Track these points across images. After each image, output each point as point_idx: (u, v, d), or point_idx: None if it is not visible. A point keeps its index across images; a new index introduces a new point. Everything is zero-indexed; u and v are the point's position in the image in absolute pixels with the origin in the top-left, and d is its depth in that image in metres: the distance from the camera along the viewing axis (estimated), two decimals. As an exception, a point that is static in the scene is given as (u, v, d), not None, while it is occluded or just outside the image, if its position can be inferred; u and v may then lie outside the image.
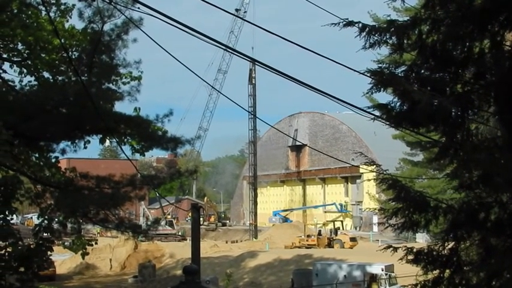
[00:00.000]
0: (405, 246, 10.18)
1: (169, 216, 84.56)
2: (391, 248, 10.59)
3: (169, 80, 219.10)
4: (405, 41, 9.58)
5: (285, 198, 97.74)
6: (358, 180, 77.36)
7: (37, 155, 15.84)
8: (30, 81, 16.49)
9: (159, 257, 54.11)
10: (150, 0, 7.89)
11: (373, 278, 32.40)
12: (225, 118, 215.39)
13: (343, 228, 72.02)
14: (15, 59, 16.56)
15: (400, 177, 12.97)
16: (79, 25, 15.81)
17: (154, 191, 27.02)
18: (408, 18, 9.83)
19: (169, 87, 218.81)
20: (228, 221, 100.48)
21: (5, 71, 16.61)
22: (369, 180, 15.17)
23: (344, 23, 9.45)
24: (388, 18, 9.68)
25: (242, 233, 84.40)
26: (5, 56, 16.53)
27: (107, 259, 53.07)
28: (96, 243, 17.38)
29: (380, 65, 10.86)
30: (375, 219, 69.69)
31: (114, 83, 16.01)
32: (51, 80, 16.42)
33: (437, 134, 10.10)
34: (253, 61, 10.81)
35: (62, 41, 15.29)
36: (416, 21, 9.45)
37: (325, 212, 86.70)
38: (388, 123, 10.45)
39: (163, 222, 72.97)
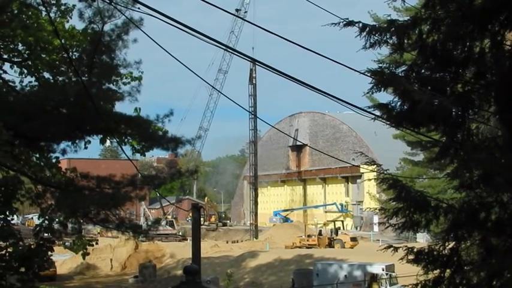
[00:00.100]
0: (406, 246, 10.18)
1: (169, 217, 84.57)
2: (392, 248, 10.60)
3: (170, 80, 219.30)
4: (405, 41, 9.58)
5: (285, 198, 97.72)
6: (358, 180, 77.32)
7: (38, 156, 15.84)
8: (30, 82, 16.51)
9: (159, 257, 54.12)
10: (150, 1, 7.89)
11: (374, 277, 32.39)
12: (225, 118, 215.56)
13: (343, 228, 72.00)
14: (16, 60, 16.56)
15: (401, 177, 12.97)
16: (79, 25, 15.82)
17: (154, 191, 27.03)
18: (408, 18, 9.83)
19: (169, 87, 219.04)
20: (228, 221, 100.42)
21: (5, 72, 16.62)
22: (369, 180, 15.16)
23: (344, 22, 9.46)
24: (389, 18, 9.69)
25: (243, 233, 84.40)
26: (5, 56, 16.53)
27: (107, 259, 53.09)
28: (96, 244, 17.41)
29: (380, 65, 10.88)
30: (376, 219, 69.67)
31: (114, 83, 16.01)
32: (52, 81, 16.42)
33: (437, 133, 10.10)
34: (254, 61, 10.81)
35: (62, 41, 15.29)
36: (416, 21, 9.45)
37: (326, 212, 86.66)
38: (388, 123, 10.45)
39: (163, 222, 72.97)
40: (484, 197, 9.31)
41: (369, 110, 10.05)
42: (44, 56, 16.26)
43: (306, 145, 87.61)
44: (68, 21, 16.81)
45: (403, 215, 9.80)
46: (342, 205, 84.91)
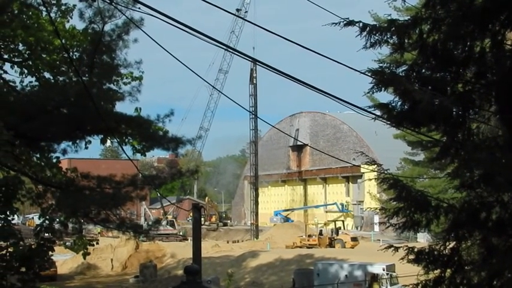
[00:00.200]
0: (406, 246, 10.18)
1: (170, 216, 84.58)
2: (392, 248, 10.59)
3: (170, 80, 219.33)
4: (406, 41, 9.58)
5: (286, 198, 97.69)
6: (359, 180, 77.29)
7: (38, 156, 15.85)
8: (31, 82, 16.51)
9: (160, 257, 54.14)
10: (150, 1, 7.90)
11: (374, 277, 32.38)
12: (226, 118, 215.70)
13: (344, 228, 71.98)
14: (16, 60, 16.56)
15: (401, 176, 12.95)
16: (80, 25, 15.83)
17: (155, 191, 27.04)
18: (409, 17, 9.83)
19: (170, 87, 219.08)
20: (229, 221, 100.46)
21: (6, 72, 16.62)
22: (370, 179, 15.13)
23: (345, 22, 9.46)
24: (389, 17, 9.69)
25: (243, 232, 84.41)
26: (5, 56, 16.53)
27: (108, 259, 53.10)
28: (97, 243, 17.42)
29: (381, 65, 10.85)
30: (376, 218, 69.69)
31: (115, 83, 16.02)
32: (52, 81, 16.42)
33: (438, 133, 10.09)
34: (254, 61, 10.81)
35: (63, 41, 15.30)
36: (417, 20, 9.45)
37: (327, 211, 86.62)
38: (389, 122, 10.45)
39: (164, 222, 72.99)
40: (484, 197, 9.30)
41: (369, 109, 10.05)
42: (44, 56, 16.26)
43: (307, 145, 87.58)
44: (68, 21, 16.83)
45: (404, 215, 9.80)
46: (342, 205, 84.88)
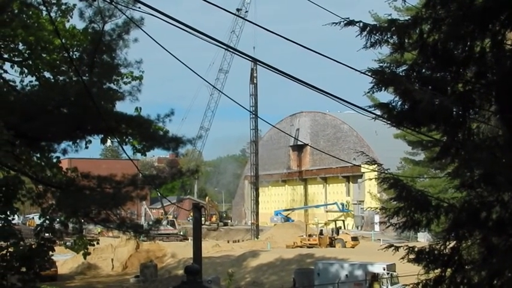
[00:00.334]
0: (407, 246, 10.18)
1: (170, 216, 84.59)
2: (393, 247, 10.58)
3: (171, 80, 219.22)
4: (406, 40, 9.58)
5: (286, 198, 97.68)
6: (359, 180, 77.25)
7: (38, 155, 15.85)
8: (31, 82, 16.51)
9: (160, 257, 54.13)
10: (150, 0, 7.89)
11: (375, 277, 32.36)
12: (226, 118, 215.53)
13: (344, 228, 71.96)
14: (16, 59, 16.55)
15: (402, 176, 12.97)
16: (80, 25, 15.83)
17: (155, 190, 27.03)
18: (409, 17, 9.83)
19: (170, 87, 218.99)
20: (229, 221, 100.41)
21: (6, 71, 16.62)
22: (370, 179, 15.16)
23: (345, 22, 9.46)
24: (389, 17, 9.69)
25: (244, 232, 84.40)
26: (6, 56, 16.53)
27: (108, 259, 53.10)
28: (97, 243, 17.40)
29: (381, 65, 10.84)
30: (377, 218, 69.75)
31: (115, 82, 16.02)
32: (52, 80, 16.42)
33: (438, 133, 10.09)
34: (255, 61, 10.82)
35: (63, 41, 15.29)
36: (417, 20, 9.45)
37: (327, 211, 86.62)
38: (389, 122, 10.45)
39: (164, 222, 72.99)
40: (485, 197, 9.30)
41: (369, 109, 10.05)
42: (44, 55, 16.26)
43: (307, 145, 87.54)
44: (68, 21, 16.82)
45: (404, 215, 9.80)
46: (342, 205, 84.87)
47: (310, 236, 63.34)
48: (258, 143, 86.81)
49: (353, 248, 57.01)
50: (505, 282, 8.62)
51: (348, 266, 34.50)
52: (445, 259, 9.75)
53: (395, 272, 31.12)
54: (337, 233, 63.48)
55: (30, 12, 15.89)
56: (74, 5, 16.31)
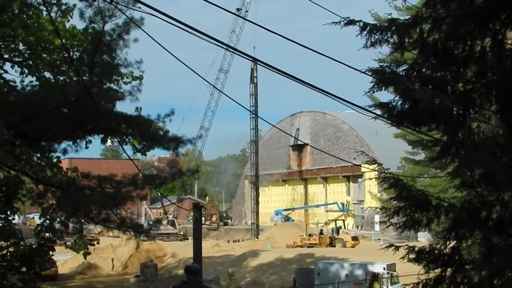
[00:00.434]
0: (407, 245, 10.18)
1: (170, 216, 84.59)
2: (393, 247, 10.58)
3: (171, 80, 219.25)
4: (406, 40, 9.58)
5: (286, 198, 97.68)
6: (359, 179, 77.26)
7: (39, 155, 15.85)
8: (31, 82, 16.51)
9: (161, 257, 54.13)
10: (151, 0, 7.89)
11: (375, 277, 32.37)
12: (226, 117, 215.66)
13: (344, 227, 71.97)
14: (17, 59, 16.55)
15: (402, 176, 12.96)
16: (80, 25, 15.83)
17: (156, 190, 27.03)
18: (409, 17, 9.83)
19: (170, 87, 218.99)
20: (229, 221, 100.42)
21: (6, 71, 16.63)
22: (370, 179, 15.16)
23: (345, 22, 9.45)
24: (389, 17, 9.70)
25: (244, 232, 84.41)
26: (6, 56, 16.53)
27: (108, 259, 53.10)
28: (98, 243, 17.40)
29: (381, 64, 10.82)
30: (377, 218, 69.76)
31: (115, 82, 16.02)
32: (53, 80, 16.42)
33: (438, 132, 10.09)
34: (255, 60, 10.82)
35: (63, 41, 15.29)
36: (417, 19, 9.45)
37: (327, 211, 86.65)
38: (389, 122, 10.45)
39: (165, 222, 73.01)
40: (485, 196, 9.30)
41: (370, 109, 10.05)
42: (44, 55, 16.26)
43: (307, 144, 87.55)
44: (68, 21, 16.82)
45: (404, 214, 9.80)
46: (343, 204, 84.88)
47: (310, 235, 63.35)
48: (258, 142, 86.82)
49: (353, 247, 57.02)
50: (505, 282, 8.62)
51: (348, 265, 34.51)
52: (445, 259, 9.76)
53: (395, 271, 31.13)
54: (338, 233, 63.50)
55: (31, 13, 15.89)
56: (74, 5, 16.33)
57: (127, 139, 15.72)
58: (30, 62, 16.48)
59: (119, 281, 46.36)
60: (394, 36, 9.54)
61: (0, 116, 12.54)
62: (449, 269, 9.71)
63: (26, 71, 16.42)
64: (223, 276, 37.85)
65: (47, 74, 16.58)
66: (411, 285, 10.15)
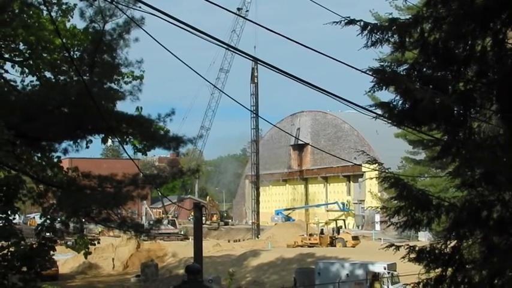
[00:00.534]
0: (407, 245, 10.17)
1: (171, 216, 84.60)
2: (394, 247, 10.58)
3: (171, 80, 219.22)
4: (407, 39, 9.57)
5: (287, 197, 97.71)
6: (360, 179, 77.26)
7: (39, 155, 15.86)
8: (32, 81, 16.53)
9: (161, 256, 54.13)
10: (151, 0, 7.89)
11: (376, 276, 32.36)
12: (227, 117, 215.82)
13: (345, 227, 71.94)
14: (17, 59, 16.57)
15: (402, 175, 12.96)
16: (80, 25, 15.85)
17: (156, 190, 27.01)
18: (410, 16, 9.82)
19: (171, 86, 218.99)
20: (230, 220, 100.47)
21: (6, 71, 16.64)
22: (371, 178, 15.15)
23: (346, 21, 9.45)
24: (390, 16, 9.69)
25: (244, 232, 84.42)
26: (6, 56, 16.54)
27: (109, 258, 53.10)
28: (98, 243, 17.42)
29: (382, 64, 10.82)
30: (377, 217, 69.75)
31: (115, 82, 16.03)
32: (53, 80, 16.43)
33: (439, 132, 10.08)
34: (256, 60, 10.83)
35: (64, 40, 15.30)
36: (418, 19, 9.44)
37: (328, 210, 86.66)
38: (390, 121, 10.44)
39: (165, 222, 72.99)
40: (485, 196, 9.30)
41: (370, 108, 10.05)
42: (45, 55, 16.27)
43: (308, 144, 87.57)
44: (69, 21, 16.83)
45: (405, 214, 9.79)
46: (343, 204, 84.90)
47: (311, 235, 63.34)
48: (258, 142, 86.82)
49: (354, 247, 57.00)
50: (505, 282, 8.62)
51: (348, 265, 34.49)
52: (445, 258, 9.75)
53: (396, 271, 31.12)
54: (338, 233, 63.50)
55: (31, 12, 15.90)
56: (75, 5, 16.35)
57: (128, 139, 15.73)
58: (31, 62, 16.49)
59: (120, 281, 46.36)
60: (394, 36, 9.54)
61: (1, 115, 12.55)
62: (449, 269, 9.71)
63: (27, 70, 16.44)
64: (223, 276, 37.84)
65: (48, 74, 16.60)
66: (412, 284, 10.15)
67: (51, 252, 13.13)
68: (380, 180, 10.29)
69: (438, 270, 9.82)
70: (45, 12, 15.90)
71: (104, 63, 14.67)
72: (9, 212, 12.44)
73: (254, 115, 79.01)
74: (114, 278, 48.29)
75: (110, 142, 17.08)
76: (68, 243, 17.43)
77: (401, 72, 9.92)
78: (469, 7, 8.91)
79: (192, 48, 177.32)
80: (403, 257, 10.09)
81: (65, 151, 15.44)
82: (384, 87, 9.76)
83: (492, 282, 8.79)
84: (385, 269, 31.88)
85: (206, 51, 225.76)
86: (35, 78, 16.54)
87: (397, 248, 10.53)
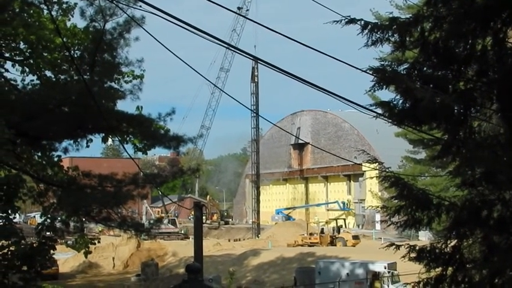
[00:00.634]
0: (408, 244, 10.17)
1: (171, 215, 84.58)
2: (394, 246, 10.57)
3: (172, 79, 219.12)
4: (407, 39, 9.57)
5: (287, 197, 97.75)
6: (360, 178, 77.30)
7: (40, 154, 15.87)
8: (32, 80, 16.53)
9: (161, 256, 54.15)
10: (151, -1, 7.89)
11: (376, 275, 32.38)
12: (227, 116, 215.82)
13: (345, 226, 71.95)
14: (18, 58, 16.57)
15: (403, 175, 12.94)
16: (81, 24, 15.85)
17: (156, 189, 26.99)
18: (410, 15, 9.81)
19: (171, 86, 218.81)
20: (230, 220, 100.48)
21: (7, 70, 16.64)
22: (371, 178, 15.14)
23: (346, 20, 9.44)
24: (390, 15, 9.69)
25: (245, 231, 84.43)
26: (7, 55, 16.54)
27: (109, 258, 53.14)
28: (98, 242, 17.43)
29: (382, 63, 10.80)
30: (378, 217, 69.74)
31: (116, 81, 16.03)
32: (54, 79, 16.44)
33: (439, 131, 10.08)
34: (256, 59, 10.82)
35: (64, 39, 15.30)
36: (418, 18, 9.44)
37: (328, 210, 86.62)
38: (390, 120, 10.44)
39: (165, 221, 72.98)
40: (486, 195, 9.30)
41: (371, 108, 10.05)
42: (45, 54, 16.27)
43: (308, 143, 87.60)
44: (69, 20, 16.83)
45: (405, 213, 9.79)
46: (344, 203, 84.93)
47: (311, 234, 63.33)
48: (259, 141, 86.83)
49: (354, 246, 57.01)
50: (506, 281, 8.62)
51: (349, 264, 34.52)
52: (446, 258, 9.75)
53: (396, 270, 31.13)
54: (338, 232, 63.51)
55: (31, 11, 15.90)
56: (75, 4, 16.34)
57: (128, 138, 15.73)
58: (31, 61, 16.49)
59: (120, 280, 46.38)
60: (395, 35, 9.53)
61: (1, 114, 12.55)
62: (450, 268, 9.71)
63: (27, 69, 16.44)
64: (224, 275, 37.86)
65: (48, 73, 16.61)
66: (412, 284, 10.15)
67: (52, 251, 13.13)
68: (380, 180, 10.28)
69: (438, 270, 9.82)
70: (45, 11, 15.91)
71: (104, 62, 14.68)
72: (9, 211, 12.44)
73: (254, 114, 79.08)
74: (114, 277, 48.32)
75: (110, 141, 17.10)
76: (68, 242, 17.44)
77: (402, 72, 9.92)
78: (469, 6, 8.90)
79: (193, 47, 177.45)
80: (404, 256, 10.08)
81: (66, 150, 15.46)
82: (384, 87, 9.75)
83: (492, 281, 8.79)
84: (385, 268, 31.91)
85: (207, 51, 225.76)
86: (35, 77, 16.55)
87: (398, 247, 10.53)
